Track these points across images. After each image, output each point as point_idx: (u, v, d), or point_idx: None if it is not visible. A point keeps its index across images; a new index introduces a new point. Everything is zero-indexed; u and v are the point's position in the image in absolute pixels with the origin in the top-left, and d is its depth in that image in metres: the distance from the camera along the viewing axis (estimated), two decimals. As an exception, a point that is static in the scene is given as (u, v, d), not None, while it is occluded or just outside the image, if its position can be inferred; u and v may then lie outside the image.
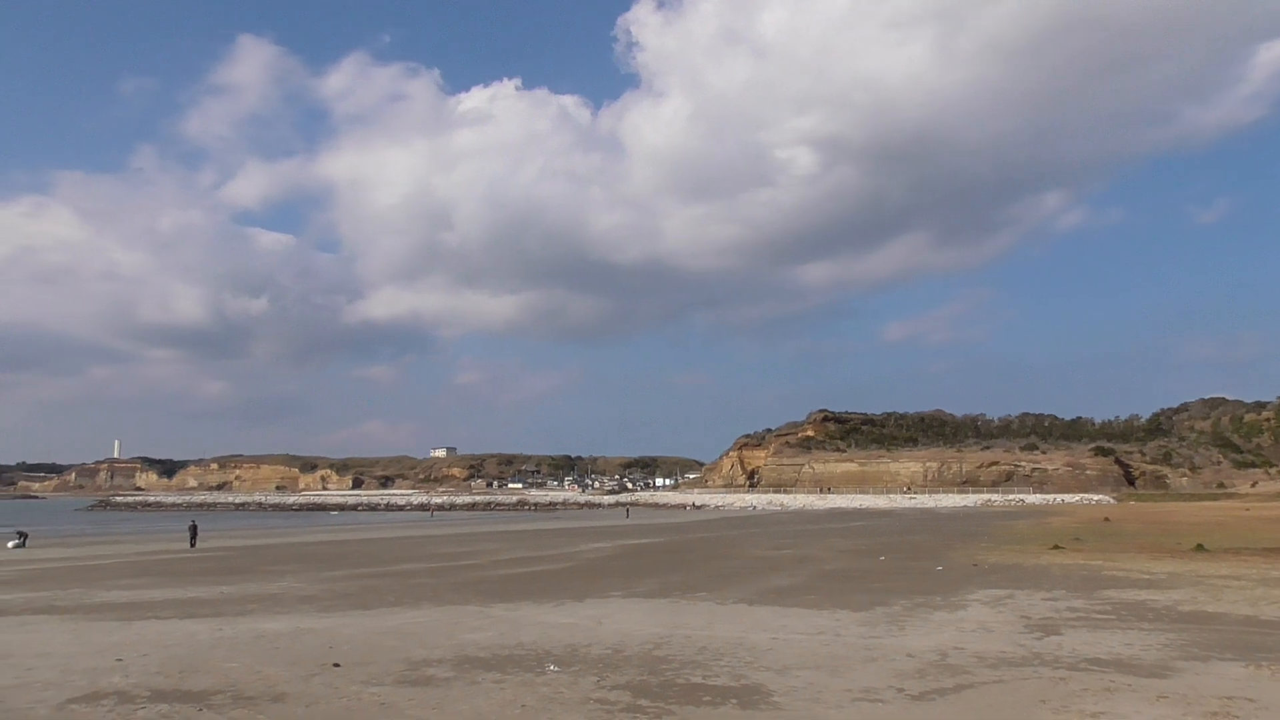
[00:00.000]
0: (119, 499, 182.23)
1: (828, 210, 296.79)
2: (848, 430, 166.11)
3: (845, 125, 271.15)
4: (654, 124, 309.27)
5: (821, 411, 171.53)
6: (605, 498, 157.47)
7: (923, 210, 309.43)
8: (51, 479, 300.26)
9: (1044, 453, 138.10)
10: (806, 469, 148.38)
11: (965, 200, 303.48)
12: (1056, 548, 35.07)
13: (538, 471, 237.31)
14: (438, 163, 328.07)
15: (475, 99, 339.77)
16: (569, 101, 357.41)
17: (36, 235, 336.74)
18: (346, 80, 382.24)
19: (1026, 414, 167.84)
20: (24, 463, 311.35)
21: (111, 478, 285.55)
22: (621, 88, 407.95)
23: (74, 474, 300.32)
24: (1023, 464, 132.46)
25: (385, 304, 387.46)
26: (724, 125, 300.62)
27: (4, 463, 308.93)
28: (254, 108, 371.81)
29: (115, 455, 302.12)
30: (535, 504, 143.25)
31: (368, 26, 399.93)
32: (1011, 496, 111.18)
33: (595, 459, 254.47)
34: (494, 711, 10.07)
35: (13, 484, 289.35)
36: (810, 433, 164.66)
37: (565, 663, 12.78)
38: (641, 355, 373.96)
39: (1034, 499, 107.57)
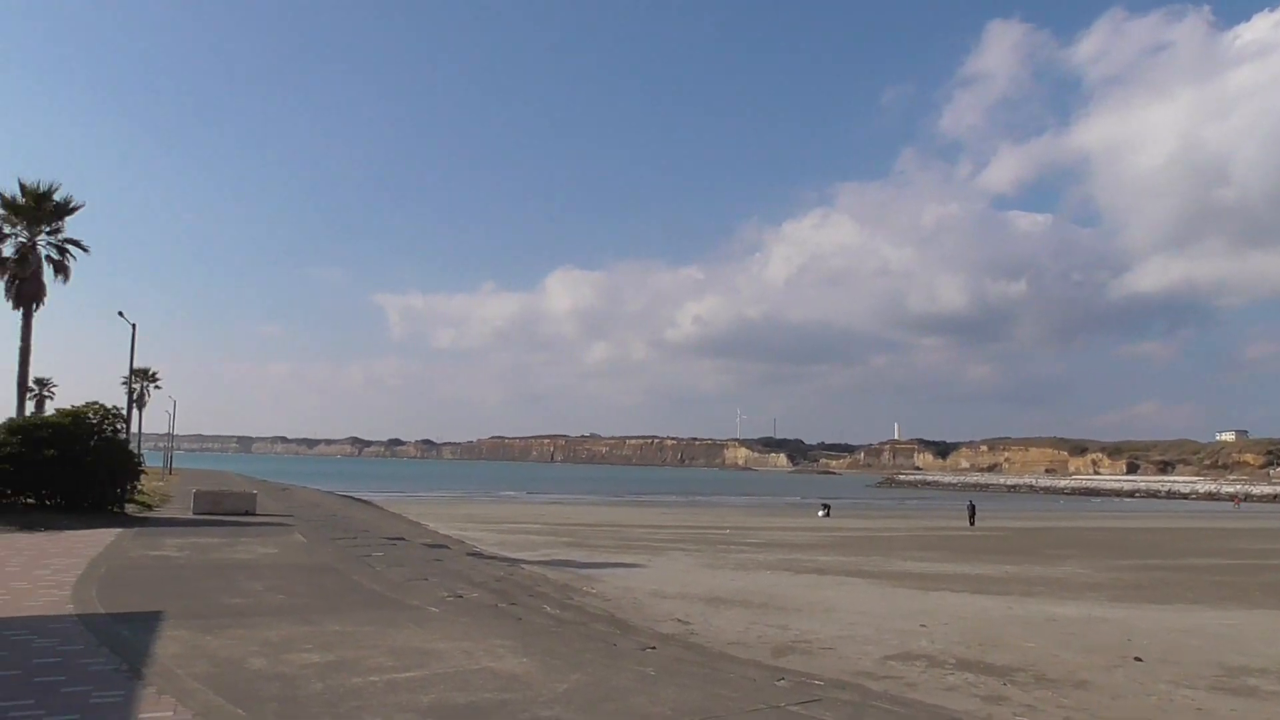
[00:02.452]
0: (901, 477, 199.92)
1: None
2: None
3: None
4: None
5: None
6: None
7: None
8: (844, 457, 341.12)
9: None
10: None
11: None
12: None
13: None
14: (1208, 111, 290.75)
15: (1256, 29, 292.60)
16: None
17: (823, 243, 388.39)
18: (1099, 42, 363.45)
19: None
20: (823, 443, 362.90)
21: (893, 457, 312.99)
22: None
23: (862, 453, 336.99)
24: None
25: (1153, 275, 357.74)
26: None
27: (808, 442, 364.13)
28: (1004, 91, 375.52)
29: (895, 436, 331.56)
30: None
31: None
32: None
33: None
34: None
35: (815, 460, 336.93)
36: None
37: None
38: None
39: None
